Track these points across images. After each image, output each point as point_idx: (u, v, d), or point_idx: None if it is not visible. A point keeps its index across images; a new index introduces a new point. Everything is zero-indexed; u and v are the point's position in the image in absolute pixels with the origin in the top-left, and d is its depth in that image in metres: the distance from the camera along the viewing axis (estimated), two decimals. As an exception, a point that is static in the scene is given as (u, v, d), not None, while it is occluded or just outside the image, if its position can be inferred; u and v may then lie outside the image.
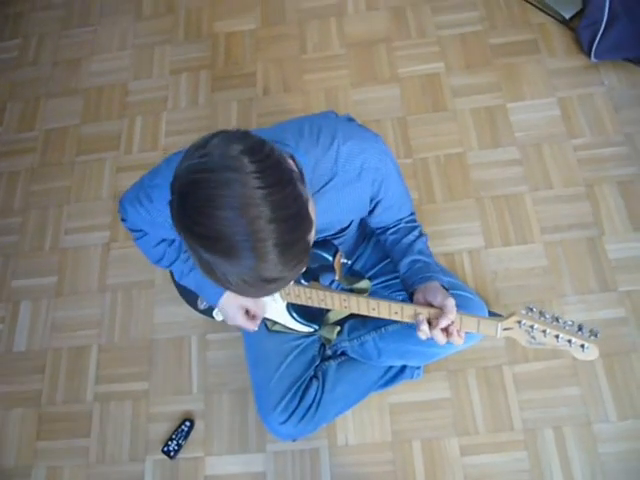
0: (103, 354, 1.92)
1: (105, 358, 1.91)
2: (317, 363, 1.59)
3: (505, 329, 1.08)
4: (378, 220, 1.35)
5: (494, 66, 2.18)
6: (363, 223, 1.50)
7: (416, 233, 1.35)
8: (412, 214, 1.40)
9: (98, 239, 2.10)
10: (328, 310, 1.43)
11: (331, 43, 2.35)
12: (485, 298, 1.80)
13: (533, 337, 1.05)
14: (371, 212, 1.30)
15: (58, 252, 2.10)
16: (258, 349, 1.57)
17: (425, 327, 1.12)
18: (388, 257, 1.52)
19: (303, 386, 1.51)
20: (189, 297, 1.62)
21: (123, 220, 1.36)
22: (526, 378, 1.70)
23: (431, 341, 1.43)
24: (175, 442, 1.74)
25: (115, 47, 2.50)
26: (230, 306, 1.34)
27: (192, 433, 1.76)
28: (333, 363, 1.62)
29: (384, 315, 1.21)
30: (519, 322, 1.04)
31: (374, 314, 1.23)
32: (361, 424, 1.72)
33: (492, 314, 1.69)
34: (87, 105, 2.37)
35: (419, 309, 1.13)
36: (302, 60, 2.33)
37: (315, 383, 1.54)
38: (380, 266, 1.56)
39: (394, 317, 1.19)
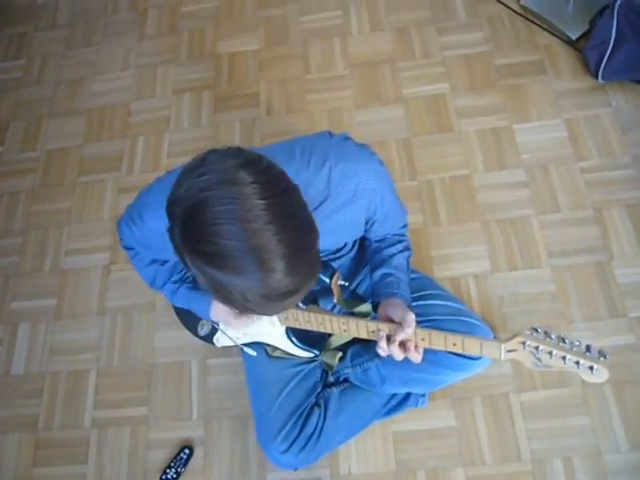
0: (102, 379, 1.89)
1: (104, 383, 1.88)
2: (319, 390, 1.55)
3: (509, 351, 1.04)
4: (372, 235, 1.34)
5: (500, 87, 2.16)
6: (364, 246, 1.47)
7: (400, 247, 1.34)
8: (404, 227, 1.39)
9: (98, 261, 2.07)
10: (330, 335, 1.40)
11: (335, 63, 2.33)
12: (491, 324, 1.76)
13: (539, 359, 1.01)
14: (368, 230, 1.28)
15: (58, 274, 2.08)
16: (258, 376, 1.54)
17: (383, 343, 1.11)
18: None
19: (304, 414, 1.48)
20: (189, 323, 1.59)
21: (121, 239, 1.35)
22: (534, 407, 1.66)
23: (436, 368, 1.42)
24: (174, 470, 1.70)
25: (118, 67, 2.49)
26: (221, 312, 1.30)
27: (191, 461, 1.72)
28: (335, 390, 1.58)
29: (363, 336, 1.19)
30: (523, 343, 1.00)
31: (374, 337, 1.19)
32: (364, 453, 1.67)
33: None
34: (89, 125, 2.36)
35: (380, 325, 1.13)
36: (305, 80, 2.31)
37: (317, 411, 1.50)
38: None
39: (370, 337, 1.19)
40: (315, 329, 1.27)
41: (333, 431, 1.51)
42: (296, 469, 1.62)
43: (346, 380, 1.61)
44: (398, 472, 1.64)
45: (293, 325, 1.32)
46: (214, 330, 1.53)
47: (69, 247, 2.12)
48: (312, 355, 1.45)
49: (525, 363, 1.04)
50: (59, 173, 2.28)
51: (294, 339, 1.41)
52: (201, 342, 1.60)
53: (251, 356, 1.55)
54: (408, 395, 1.65)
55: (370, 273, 1.33)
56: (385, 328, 1.12)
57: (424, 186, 2.01)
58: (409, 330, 1.07)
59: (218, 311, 1.30)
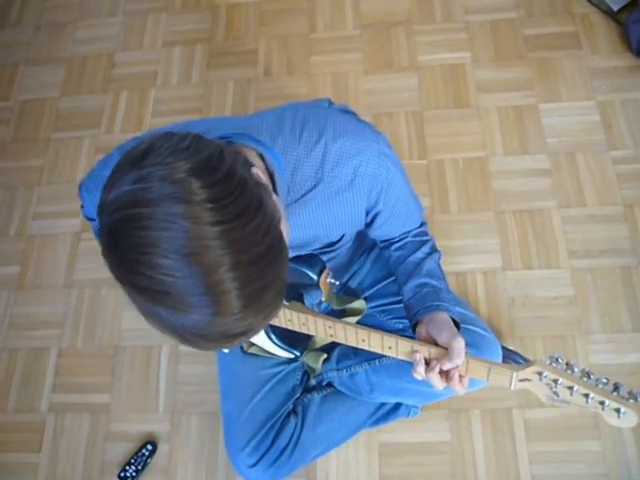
0: (63, 359, 1.71)
1: (65, 364, 1.71)
2: (297, 395, 1.37)
3: (522, 380, 0.89)
4: (379, 234, 1.12)
5: (528, 60, 1.92)
6: (362, 234, 1.27)
7: (426, 249, 1.12)
8: (422, 225, 1.17)
9: (68, 227, 1.88)
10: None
11: (344, 22, 2.08)
12: (498, 328, 1.57)
13: (556, 393, 0.87)
14: (369, 224, 1.07)
15: (24, 239, 1.89)
16: (231, 375, 1.36)
17: (421, 368, 0.93)
18: (391, 275, 1.31)
19: (278, 423, 1.30)
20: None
21: (82, 207, 1.18)
22: (539, 426, 1.48)
23: None
24: (134, 467, 1.53)
25: (104, 13, 2.25)
26: None
27: (154, 458, 1.56)
28: (317, 396, 1.40)
29: (375, 349, 1.00)
30: (540, 374, 0.86)
31: (364, 346, 1.01)
32: (345, 464, 1.50)
33: (506, 350, 1.46)
34: (68, 76, 2.14)
35: (417, 346, 0.93)
36: (310, 40, 2.07)
37: (293, 420, 1.32)
38: (380, 286, 1.34)
39: (387, 352, 0.99)
40: (297, 329, 1.09)
41: (310, 443, 1.33)
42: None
43: (330, 385, 1.43)
44: (381, 488, 1.47)
45: (272, 323, 1.12)
46: None
47: (38, 210, 1.93)
48: (292, 356, 1.26)
49: (538, 395, 0.90)
50: (32, 127, 2.07)
51: (273, 336, 1.22)
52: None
53: (222, 355, 1.37)
54: (399, 404, 1.47)
55: (400, 289, 1.12)
56: (424, 350, 0.93)
57: (434, 166, 1.80)
58: (457, 361, 0.88)
59: None
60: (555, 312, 1.59)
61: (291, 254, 1.02)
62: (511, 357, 1.46)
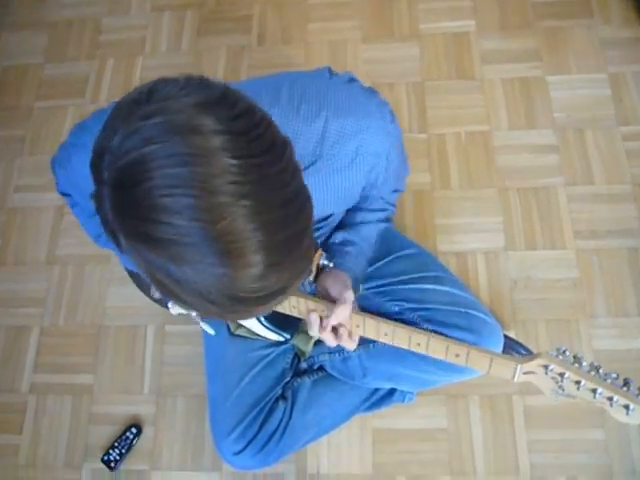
0: (45, 338, 1.64)
1: (47, 343, 1.64)
2: (287, 379, 1.30)
3: (526, 373, 0.85)
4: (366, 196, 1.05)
5: (536, 29, 1.82)
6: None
7: (380, 215, 1.09)
8: (395, 191, 1.11)
9: (51, 201, 1.79)
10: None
11: (343, -13, 1.98)
12: (499, 311, 1.50)
13: (561, 387, 0.82)
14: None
15: (4, 212, 1.81)
16: (217, 357, 1.30)
17: (315, 326, 0.91)
18: (387, 255, 1.24)
19: (266, 408, 1.24)
20: (141, 282, 1.33)
21: (56, 183, 1.10)
22: (540, 413, 1.42)
23: (429, 366, 1.17)
24: (117, 451, 1.47)
25: (91, -25, 2.14)
26: None
27: (138, 441, 1.49)
28: (307, 380, 1.34)
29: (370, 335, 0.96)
30: (546, 367, 0.81)
31: (359, 332, 0.97)
32: (337, 450, 1.44)
33: (508, 339, 1.39)
34: (53, 41, 2.03)
35: (312, 304, 0.92)
36: (307, 6, 1.96)
37: (282, 405, 1.26)
38: (375, 267, 1.27)
39: (383, 339, 0.96)
40: (287, 312, 1.02)
41: (300, 429, 1.27)
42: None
43: (321, 369, 1.36)
44: (375, 476, 1.41)
45: None
46: None
47: (20, 182, 1.84)
48: (282, 339, 1.19)
49: (542, 389, 0.86)
50: (14, 95, 1.97)
51: (262, 318, 1.15)
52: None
53: (209, 336, 1.30)
54: (393, 389, 1.40)
55: (335, 228, 1.09)
56: (319, 308, 0.91)
57: (435, 141, 1.71)
58: (340, 311, 0.87)
59: None
60: (559, 295, 1.51)
61: None
62: (513, 347, 1.39)
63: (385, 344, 1.23)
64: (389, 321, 0.93)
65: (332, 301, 0.91)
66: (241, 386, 1.23)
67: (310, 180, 0.86)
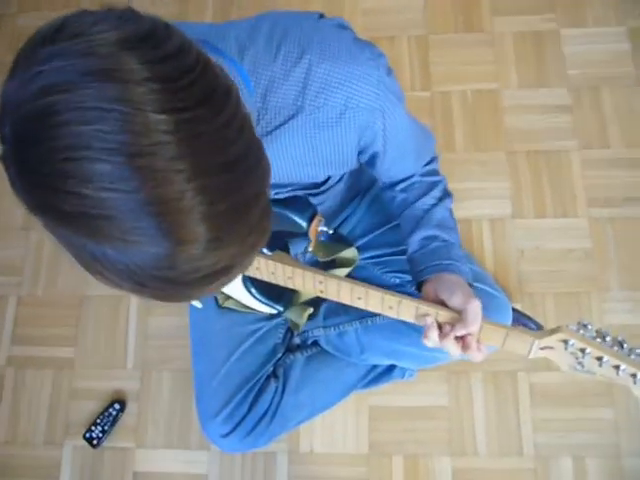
0: (23, 308, 1.55)
1: (25, 314, 1.54)
2: (279, 356, 1.21)
3: (543, 348, 0.78)
4: (385, 176, 0.94)
5: (550, -22, 1.67)
6: (356, 173, 1.08)
7: (436, 193, 0.94)
8: (432, 160, 0.99)
9: (27, 162, 1.67)
10: (299, 287, 1.05)
11: None
12: (505, 283, 1.41)
13: (581, 363, 0.76)
14: (370, 165, 0.88)
15: (-23, 174, 1.69)
16: (203, 332, 1.21)
17: (434, 334, 0.79)
18: (387, 222, 1.14)
19: (256, 387, 1.16)
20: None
21: None
22: (546, 391, 1.35)
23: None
24: (100, 427, 1.40)
25: None
26: None
27: (122, 418, 1.42)
28: (300, 356, 1.25)
29: (373, 308, 0.87)
30: (566, 342, 0.75)
31: (359, 305, 0.88)
32: (331, 428, 1.37)
33: (516, 313, 1.30)
34: (27, -12, 1.88)
35: (424, 307, 0.80)
36: (302, -50, 1.81)
37: (273, 384, 1.18)
38: (375, 234, 1.17)
39: (387, 313, 0.86)
40: (281, 283, 0.93)
41: (292, 409, 1.19)
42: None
43: (315, 344, 1.28)
44: (370, 455, 1.34)
45: (252, 275, 0.96)
46: None
47: (-7, 142, 1.71)
48: (274, 311, 1.10)
49: (559, 364, 0.80)
50: (-15, 48, 1.83)
51: (253, 290, 1.05)
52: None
53: (194, 309, 1.21)
54: (392, 366, 1.32)
55: (404, 240, 0.95)
56: (433, 312, 0.80)
57: (439, 99, 1.59)
58: (473, 327, 0.76)
59: None
60: (569, 266, 1.42)
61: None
62: (521, 321, 1.31)
63: (384, 319, 1.16)
64: (361, 283, 0.84)
65: (440, 304, 0.81)
66: (229, 363, 1.15)
67: (290, 137, 0.75)
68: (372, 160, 0.86)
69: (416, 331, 1.10)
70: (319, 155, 0.79)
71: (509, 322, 1.09)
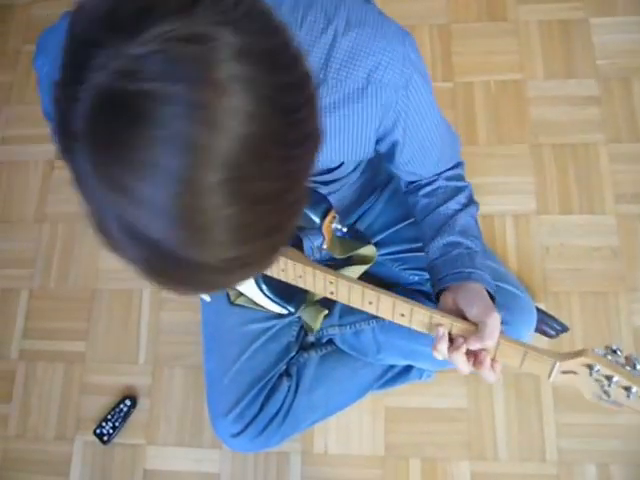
0: (35, 301, 1.53)
1: (37, 307, 1.53)
2: (292, 354, 1.18)
3: (565, 372, 0.72)
4: (404, 172, 0.90)
5: (578, -36, 1.61)
6: (374, 167, 1.05)
7: (462, 199, 0.90)
8: (458, 165, 0.95)
9: (41, 154, 1.65)
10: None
11: None
12: (529, 282, 1.36)
13: (607, 392, 0.69)
14: (388, 158, 0.84)
15: (-10, 166, 1.67)
16: (215, 328, 1.18)
17: (443, 346, 0.75)
18: (407, 218, 1.10)
19: (268, 386, 1.13)
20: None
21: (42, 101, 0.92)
22: (570, 394, 1.29)
23: None
24: (110, 424, 1.38)
25: None
26: None
27: (133, 414, 1.39)
28: (315, 355, 1.22)
29: (384, 314, 0.83)
30: (591, 367, 0.68)
31: (370, 310, 0.83)
32: (347, 429, 1.33)
33: (540, 313, 1.25)
34: (41, -23, 1.86)
35: (438, 317, 0.75)
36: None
37: (286, 383, 1.15)
38: (393, 230, 1.14)
39: (399, 321, 0.82)
40: (291, 282, 0.89)
41: (305, 410, 1.16)
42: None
43: (330, 343, 1.24)
44: (386, 458, 1.30)
45: (265, 273, 0.92)
46: None
47: (7, 133, 1.70)
48: (285, 312, 1.06)
49: (583, 391, 0.73)
50: (0, 37, 1.81)
51: (264, 287, 1.02)
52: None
53: (206, 305, 1.18)
54: (410, 366, 1.27)
55: (425, 246, 0.92)
56: (447, 323, 0.75)
57: (461, 90, 1.54)
58: (489, 342, 0.71)
59: None
60: (596, 264, 1.36)
61: None
62: (545, 321, 1.26)
63: None
64: (373, 287, 0.79)
65: (459, 316, 0.76)
66: (240, 361, 1.12)
67: None
68: (391, 150, 0.82)
69: None
70: (336, 134, 0.74)
71: (533, 323, 1.05)
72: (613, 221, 1.39)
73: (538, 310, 1.25)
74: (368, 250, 1.07)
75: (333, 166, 0.85)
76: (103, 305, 1.49)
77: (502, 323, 0.82)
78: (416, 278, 1.11)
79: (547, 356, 0.70)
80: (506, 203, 1.43)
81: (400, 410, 1.32)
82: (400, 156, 0.82)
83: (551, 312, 1.31)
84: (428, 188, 0.91)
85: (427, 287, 1.06)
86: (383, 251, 1.12)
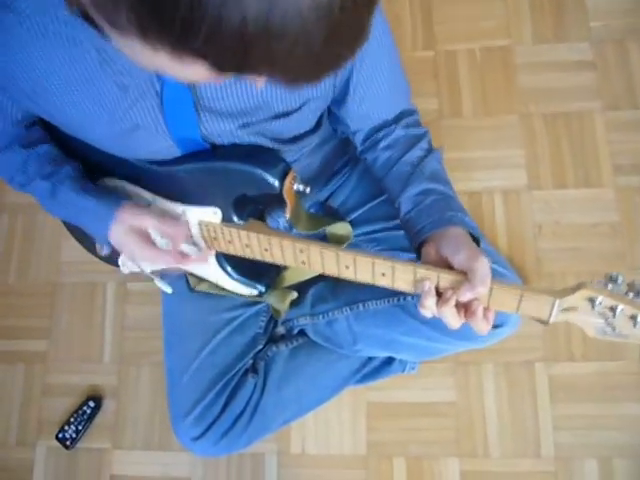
0: (-7, 298, 1.44)
1: (-5, 303, 1.43)
2: (260, 348, 1.08)
3: (565, 309, 0.67)
4: (358, 116, 0.82)
5: None
6: (341, 135, 0.96)
7: (424, 145, 0.84)
8: (413, 113, 0.88)
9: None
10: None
11: None
12: (521, 262, 1.27)
13: (611, 325, 0.66)
14: (343, 100, 0.79)
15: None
16: (175, 321, 1.10)
17: (431, 301, 0.69)
18: (381, 195, 1.01)
19: (232, 384, 1.04)
20: (81, 236, 1.09)
21: None
22: (567, 384, 1.20)
23: (434, 332, 0.97)
24: (73, 427, 1.28)
25: None
26: (121, 236, 0.79)
27: (98, 416, 1.31)
28: (284, 348, 1.12)
29: (364, 278, 0.76)
30: (592, 300, 0.64)
31: (348, 276, 0.77)
32: (325, 427, 1.24)
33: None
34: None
35: (423, 271, 0.70)
36: None
37: (251, 379, 1.05)
38: (369, 207, 1.04)
39: (380, 282, 0.75)
40: (258, 258, 0.83)
41: (275, 408, 1.06)
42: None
43: (302, 334, 1.13)
44: (369, 457, 1.21)
45: (225, 251, 0.86)
46: (117, 251, 1.03)
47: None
48: (255, 292, 0.96)
49: (585, 329, 0.69)
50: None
51: (229, 269, 0.92)
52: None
53: (167, 295, 1.07)
54: (392, 358, 1.17)
55: (393, 203, 0.84)
56: (433, 276, 0.69)
57: (443, 59, 1.43)
58: (482, 288, 0.66)
59: (119, 234, 0.78)
60: (594, 242, 1.27)
61: (229, 127, 0.72)
62: None
63: (378, 305, 1.02)
64: (348, 249, 0.74)
65: (445, 267, 0.70)
66: (201, 357, 1.02)
67: None
68: (344, 89, 0.76)
69: (414, 318, 0.96)
70: None
71: None
72: (611, 195, 1.28)
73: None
74: (343, 228, 0.99)
75: (292, 109, 0.75)
76: (65, 300, 1.40)
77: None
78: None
79: (546, 295, 0.65)
80: (494, 179, 1.34)
81: (382, 405, 1.23)
82: (354, 94, 0.77)
83: (545, 295, 1.21)
84: (387, 140, 0.84)
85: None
86: (358, 231, 1.03)
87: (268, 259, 0.81)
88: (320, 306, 1.09)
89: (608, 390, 1.18)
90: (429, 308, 0.68)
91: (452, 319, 0.68)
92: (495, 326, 0.92)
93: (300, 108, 0.74)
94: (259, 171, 0.73)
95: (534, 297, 0.66)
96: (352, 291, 1.04)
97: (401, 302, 0.98)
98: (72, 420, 1.29)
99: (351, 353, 1.11)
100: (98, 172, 0.85)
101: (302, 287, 1.08)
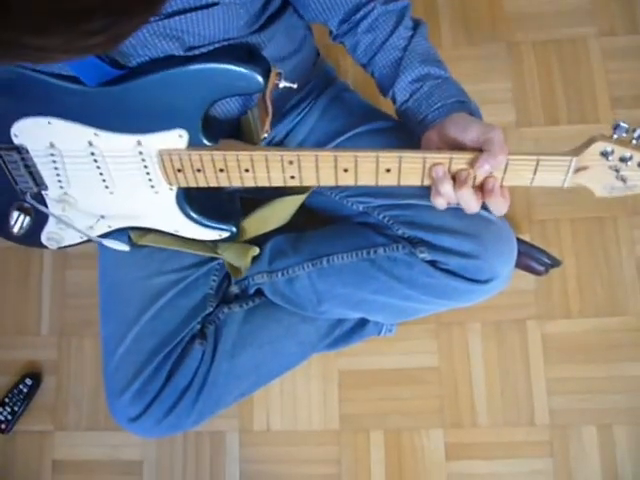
0: None
1: None
2: (210, 311, 0.93)
3: (577, 170, 0.67)
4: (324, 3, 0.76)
5: None
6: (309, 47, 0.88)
7: (408, 23, 0.78)
8: None
9: None
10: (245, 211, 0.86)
11: None
12: (509, 210, 1.10)
13: (622, 177, 0.66)
14: None
15: None
16: (113, 283, 0.96)
17: (447, 187, 0.67)
18: (349, 129, 0.89)
19: (175, 353, 0.91)
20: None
21: None
22: (562, 344, 1.11)
23: (409, 290, 0.86)
24: (9, 408, 1.16)
25: None
26: None
27: (37, 395, 1.18)
28: (239, 310, 0.98)
29: (366, 180, 0.71)
30: (605, 154, 0.65)
31: (348, 181, 0.71)
32: (293, 400, 1.13)
33: (525, 245, 1.03)
34: None
35: (434, 155, 0.67)
36: None
37: (199, 347, 0.91)
38: (333, 146, 0.89)
39: (386, 181, 0.71)
40: (237, 184, 0.72)
41: (228, 379, 0.92)
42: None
43: (259, 294, 0.99)
44: (342, 431, 1.11)
45: (189, 185, 0.74)
46: (39, 221, 0.85)
47: None
48: (225, 234, 0.82)
49: (593, 188, 0.69)
50: None
51: (192, 213, 0.79)
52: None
53: (105, 253, 0.93)
54: (365, 319, 1.03)
55: (384, 95, 0.81)
56: (445, 159, 0.67)
57: (419, -18, 1.30)
58: (502, 158, 0.64)
59: None
60: (590, 185, 1.14)
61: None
62: (532, 255, 1.07)
63: (344, 259, 0.88)
64: (346, 149, 0.74)
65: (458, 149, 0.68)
66: (140, 323, 0.89)
67: None
68: None
69: (386, 275, 0.83)
70: None
71: (513, 255, 0.84)
72: (610, 131, 1.14)
73: (523, 242, 1.04)
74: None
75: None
76: (-3, 266, 1.25)
77: (470, 257, 0.78)
78: (360, 207, 0.87)
79: (562, 156, 0.65)
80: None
81: (356, 373, 1.12)
82: None
83: (538, 244, 1.08)
84: (367, 21, 0.77)
85: (375, 218, 0.85)
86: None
87: (248, 183, 0.72)
88: (279, 261, 0.94)
89: (606, 349, 1.09)
90: (446, 195, 0.67)
91: (472, 202, 0.67)
92: (484, 281, 0.80)
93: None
94: (237, 67, 0.64)
95: (551, 162, 0.66)
96: (315, 244, 0.91)
97: (371, 256, 0.85)
98: (7, 400, 1.17)
99: (316, 315, 0.97)
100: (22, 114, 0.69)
101: (260, 241, 0.94)
